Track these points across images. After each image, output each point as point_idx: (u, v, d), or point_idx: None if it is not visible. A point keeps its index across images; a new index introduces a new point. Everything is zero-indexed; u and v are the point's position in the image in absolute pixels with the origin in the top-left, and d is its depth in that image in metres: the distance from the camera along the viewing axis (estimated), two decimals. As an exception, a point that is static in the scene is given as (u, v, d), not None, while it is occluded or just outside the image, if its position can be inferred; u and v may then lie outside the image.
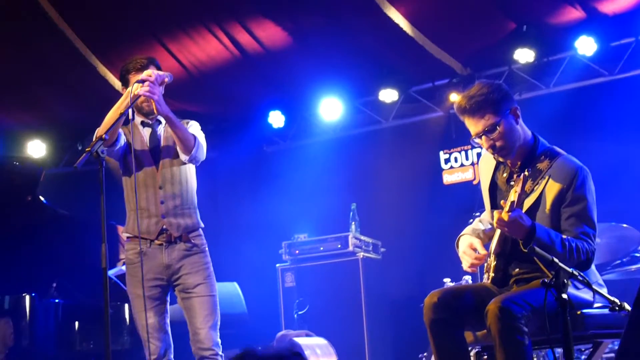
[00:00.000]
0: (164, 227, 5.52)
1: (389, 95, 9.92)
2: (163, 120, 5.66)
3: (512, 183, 4.52)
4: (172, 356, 5.57)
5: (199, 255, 5.57)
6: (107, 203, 4.85)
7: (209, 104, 10.61)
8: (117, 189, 5.84)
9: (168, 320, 5.60)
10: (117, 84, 9.58)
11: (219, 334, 5.53)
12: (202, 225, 5.69)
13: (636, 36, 8.92)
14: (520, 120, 4.67)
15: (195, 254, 5.56)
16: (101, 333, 5.73)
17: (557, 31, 9.04)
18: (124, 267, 6.32)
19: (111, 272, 7.20)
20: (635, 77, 9.04)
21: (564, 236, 4.39)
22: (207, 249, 5.65)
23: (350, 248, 9.01)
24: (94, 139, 5.22)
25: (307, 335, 7.98)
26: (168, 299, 5.60)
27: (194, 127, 5.73)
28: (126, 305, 7.27)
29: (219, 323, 5.53)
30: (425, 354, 7.33)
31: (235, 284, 8.65)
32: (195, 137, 5.55)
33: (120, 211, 5.78)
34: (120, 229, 6.80)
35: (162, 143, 5.65)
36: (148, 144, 5.64)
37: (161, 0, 9.23)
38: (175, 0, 9.26)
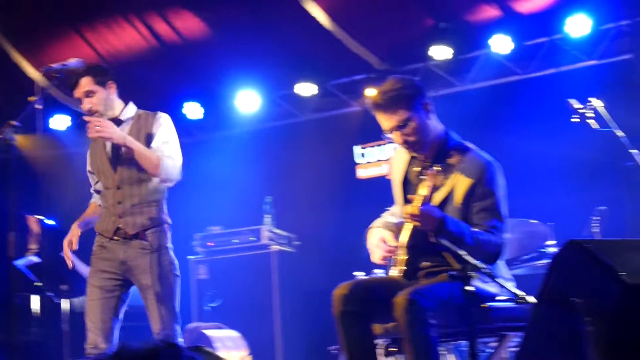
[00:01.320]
0: (120, 225, 5.53)
1: (306, 89, 9.94)
2: (125, 119, 5.67)
3: (423, 177, 4.56)
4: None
5: (155, 255, 5.51)
6: (22, 192, 4.78)
7: (126, 94, 10.43)
8: (31, 179, 5.81)
9: (120, 316, 5.57)
10: (32, 72, 9.49)
11: (178, 332, 5.54)
12: (168, 221, 5.66)
13: (550, 36, 9.05)
14: (433, 115, 4.71)
15: (151, 253, 5.51)
16: (7, 323, 5.65)
17: (474, 29, 9.14)
18: (34, 258, 6.26)
19: (20, 262, 7.08)
20: (547, 76, 9.19)
21: (474, 229, 4.45)
22: (167, 246, 5.58)
23: (264, 241, 9.01)
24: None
25: (218, 328, 7.95)
26: (123, 295, 5.56)
27: (161, 134, 5.64)
28: (36, 297, 7.16)
29: (175, 322, 5.51)
30: (335, 346, 7.34)
31: (148, 276, 8.55)
32: (160, 159, 5.49)
33: (34, 201, 5.73)
34: (32, 219, 6.71)
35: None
36: (108, 145, 5.62)
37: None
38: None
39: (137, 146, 5.48)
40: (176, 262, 5.62)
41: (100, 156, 5.66)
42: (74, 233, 5.66)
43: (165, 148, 5.57)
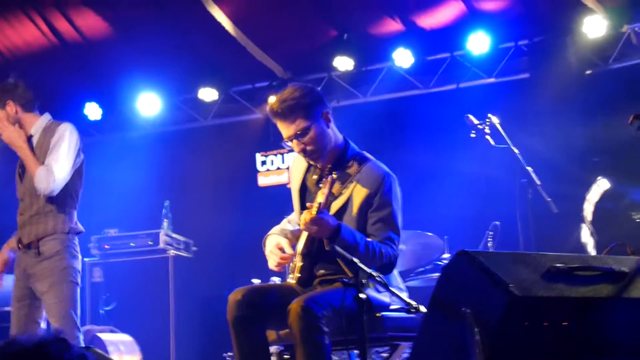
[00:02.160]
0: (20, 237, 5.68)
1: (208, 94, 9.91)
2: (34, 133, 5.78)
3: (321, 185, 4.57)
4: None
5: (48, 262, 5.58)
6: None
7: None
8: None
9: (39, 322, 5.70)
10: None
11: (80, 339, 5.60)
12: (65, 229, 5.68)
13: (451, 52, 9.20)
14: (332, 124, 4.74)
15: (45, 260, 5.58)
16: None
17: (377, 42, 9.23)
18: None
19: None
20: (448, 92, 9.34)
21: (369, 239, 4.49)
22: (62, 253, 5.61)
23: (161, 245, 8.94)
24: None
25: (112, 332, 7.87)
26: (36, 302, 5.66)
27: (52, 143, 5.70)
28: None
29: (74, 328, 5.54)
30: (230, 353, 7.32)
31: (40, 277, 8.41)
32: (44, 169, 5.56)
33: None
34: None
35: None
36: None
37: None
38: (-8, -19, 8.97)
39: (24, 154, 5.53)
40: (75, 268, 5.62)
41: (17, 166, 5.81)
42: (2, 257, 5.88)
43: (48, 157, 5.60)
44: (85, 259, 9.08)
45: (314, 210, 4.34)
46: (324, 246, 4.38)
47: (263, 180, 9.94)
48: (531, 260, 3.23)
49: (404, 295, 4.12)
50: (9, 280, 6.01)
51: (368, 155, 4.79)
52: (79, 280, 5.69)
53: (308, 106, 4.62)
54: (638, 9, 8.42)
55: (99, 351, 3.78)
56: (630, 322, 3.30)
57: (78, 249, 5.79)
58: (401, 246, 4.76)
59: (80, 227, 5.87)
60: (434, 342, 3.29)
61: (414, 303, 3.95)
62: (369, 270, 3.86)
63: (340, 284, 3.90)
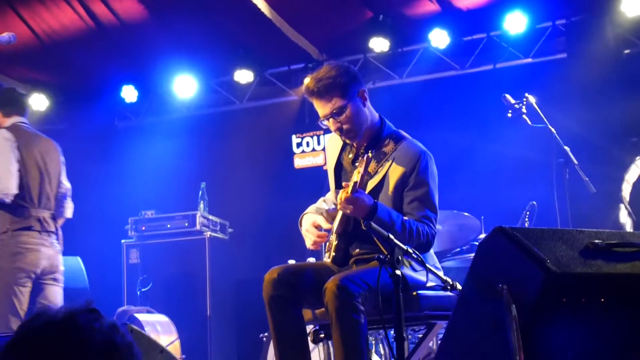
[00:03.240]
0: None
1: (244, 76, 9.90)
2: None
3: (356, 164, 4.57)
4: None
5: None
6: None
7: (61, 74, 10.36)
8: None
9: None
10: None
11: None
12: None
13: (487, 32, 9.14)
14: (368, 103, 4.73)
15: None
16: None
17: (412, 23, 9.18)
18: None
19: None
20: (484, 72, 9.28)
21: (406, 218, 4.47)
22: None
23: (198, 227, 8.97)
24: None
25: (149, 312, 7.91)
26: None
27: None
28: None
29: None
30: (266, 334, 7.35)
31: (78, 258, 8.48)
32: None
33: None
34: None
35: None
36: None
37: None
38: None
39: None
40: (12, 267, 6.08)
41: None
42: None
43: None
44: (122, 241, 9.16)
45: (349, 190, 4.33)
46: (359, 225, 4.36)
47: (299, 162, 9.93)
48: (569, 236, 3.21)
49: (440, 274, 4.11)
50: None
51: (404, 133, 4.77)
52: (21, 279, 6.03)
53: (344, 85, 4.62)
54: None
55: (138, 329, 3.79)
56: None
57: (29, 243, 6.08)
58: (438, 226, 4.73)
59: (30, 221, 6.08)
60: (470, 320, 3.28)
61: (450, 281, 3.94)
62: (405, 247, 3.85)
63: (377, 262, 3.89)
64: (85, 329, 1.79)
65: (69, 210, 6.72)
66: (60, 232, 6.53)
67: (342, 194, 4.36)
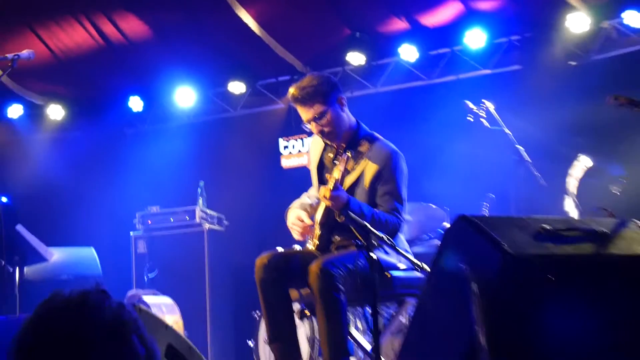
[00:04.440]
0: None
1: (237, 87, 9.88)
2: None
3: (336, 162, 4.59)
4: None
5: None
6: None
7: (75, 87, 10.34)
8: None
9: None
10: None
11: None
12: None
13: (451, 47, 9.14)
14: (346, 109, 4.75)
15: None
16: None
17: (385, 39, 9.18)
18: None
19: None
20: (448, 82, 9.27)
21: (377, 210, 4.49)
22: None
23: (197, 220, 8.95)
24: None
25: (155, 295, 7.90)
26: None
27: None
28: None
29: None
30: (258, 312, 7.34)
31: (92, 249, 8.44)
32: None
33: None
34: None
35: None
36: None
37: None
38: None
39: None
40: None
41: None
42: None
43: None
44: (131, 233, 9.14)
45: (330, 186, 4.35)
46: (338, 216, 4.39)
47: (286, 162, 9.91)
48: (522, 223, 3.22)
49: (410, 256, 4.12)
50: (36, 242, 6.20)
51: (378, 135, 4.79)
52: None
53: (324, 93, 4.63)
54: (617, 6, 8.35)
55: (145, 309, 3.78)
56: (609, 276, 3.29)
57: None
58: (407, 217, 4.76)
59: None
60: (437, 297, 3.29)
61: (419, 263, 3.95)
62: (378, 233, 3.86)
63: (355, 247, 3.91)
64: (95, 308, 1.79)
65: None
66: None
67: (324, 190, 4.37)
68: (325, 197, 4.38)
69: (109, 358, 1.75)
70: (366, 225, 3.83)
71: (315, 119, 4.65)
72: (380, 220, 4.42)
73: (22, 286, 6.96)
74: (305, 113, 4.68)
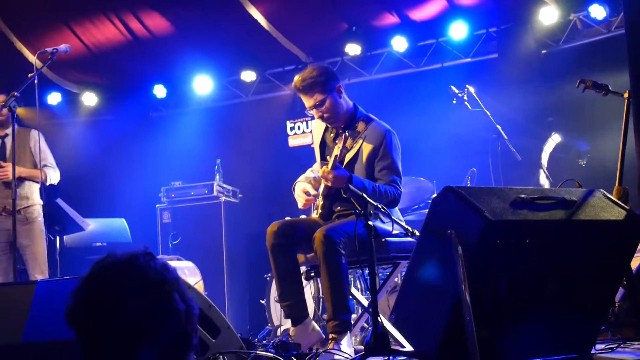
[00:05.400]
0: None
1: (248, 76, 9.84)
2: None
3: (337, 141, 4.58)
4: None
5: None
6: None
7: (106, 77, 10.32)
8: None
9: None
10: (31, 57, 9.26)
11: None
12: None
13: (436, 38, 9.10)
14: (344, 95, 4.73)
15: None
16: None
17: (378, 32, 9.14)
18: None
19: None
20: (434, 70, 9.23)
21: (377, 183, 4.48)
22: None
23: (215, 193, 8.93)
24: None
25: (178, 259, 7.91)
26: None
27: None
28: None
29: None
30: (269, 274, 7.36)
31: (123, 220, 8.48)
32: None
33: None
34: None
35: None
36: None
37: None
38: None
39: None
40: None
41: None
42: None
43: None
44: (157, 205, 9.12)
45: (330, 165, 4.35)
46: (340, 189, 4.38)
47: (292, 142, 9.88)
48: (501, 193, 3.22)
49: (403, 223, 4.12)
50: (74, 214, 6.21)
51: (373, 116, 4.77)
52: None
53: (323, 83, 4.61)
54: (582, 0, 8.31)
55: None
56: (578, 240, 3.29)
57: None
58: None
59: None
60: (426, 259, 3.29)
61: (410, 228, 3.95)
62: (375, 204, 3.85)
63: (354, 216, 3.90)
64: (142, 267, 1.81)
65: None
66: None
67: (325, 171, 4.37)
68: (327, 178, 4.37)
69: (155, 310, 1.77)
70: (364, 197, 3.82)
71: (316, 106, 4.64)
72: (381, 191, 4.42)
73: (62, 252, 6.98)
74: (307, 101, 4.66)
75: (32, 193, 6.19)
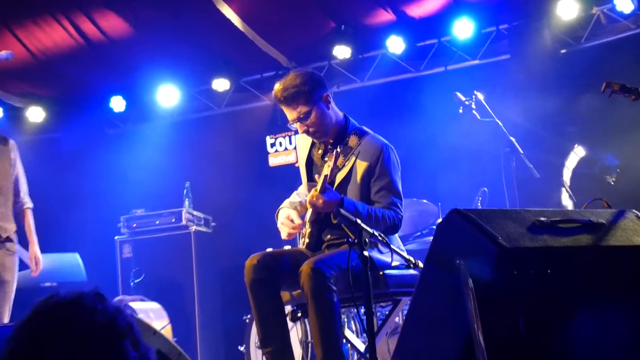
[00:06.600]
0: None
1: (221, 84, 9.87)
2: None
3: (326, 159, 4.58)
4: None
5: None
6: None
7: (55, 88, 10.30)
8: None
9: None
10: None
11: None
12: None
13: (439, 38, 9.16)
14: (332, 105, 4.73)
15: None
16: None
17: (371, 31, 9.18)
18: None
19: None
20: (437, 74, 9.29)
21: (373, 207, 4.48)
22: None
23: (184, 222, 8.93)
24: None
25: (142, 300, 7.87)
26: None
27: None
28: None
29: None
30: (249, 315, 7.33)
31: (77, 255, 8.44)
32: None
33: None
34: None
35: None
36: None
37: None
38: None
39: None
40: None
41: None
42: None
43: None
44: (116, 237, 9.11)
45: (318, 188, 4.33)
46: (329, 214, 4.36)
47: (273, 161, 9.91)
48: (517, 215, 3.22)
49: (404, 254, 4.12)
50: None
51: (367, 129, 4.78)
52: None
53: (308, 92, 4.61)
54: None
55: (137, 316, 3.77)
56: (607, 268, 3.29)
57: None
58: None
59: None
60: (432, 294, 3.28)
61: (412, 259, 3.95)
62: (371, 231, 3.85)
63: (347, 245, 3.89)
64: (89, 310, 1.81)
65: None
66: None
67: (313, 192, 4.36)
68: (316, 204, 4.36)
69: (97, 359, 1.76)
70: (358, 223, 3.81)
71: (300, 119, 4.63)
72: (378, 216, 4.41)
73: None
74: (289, 113, 4.66)
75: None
